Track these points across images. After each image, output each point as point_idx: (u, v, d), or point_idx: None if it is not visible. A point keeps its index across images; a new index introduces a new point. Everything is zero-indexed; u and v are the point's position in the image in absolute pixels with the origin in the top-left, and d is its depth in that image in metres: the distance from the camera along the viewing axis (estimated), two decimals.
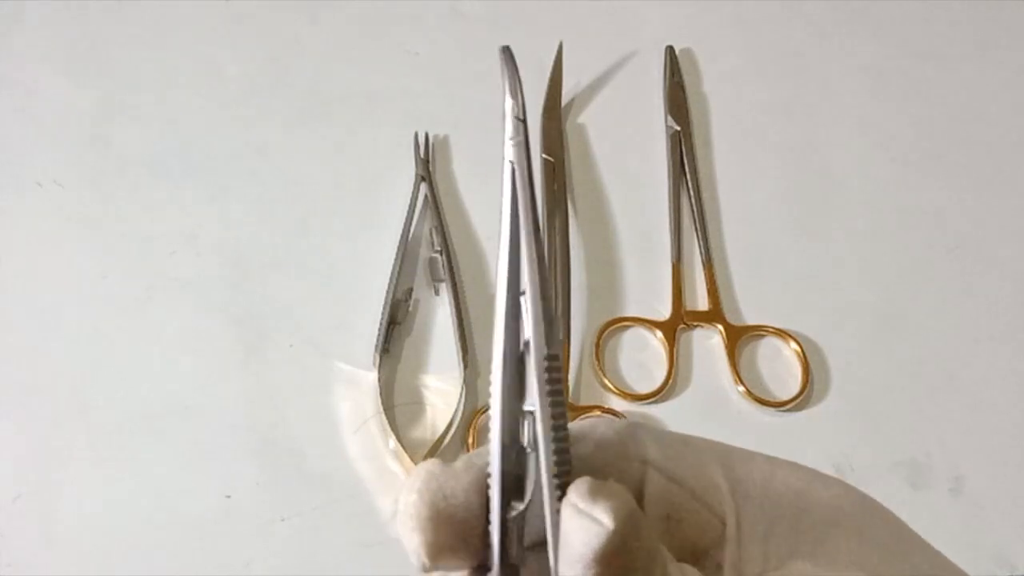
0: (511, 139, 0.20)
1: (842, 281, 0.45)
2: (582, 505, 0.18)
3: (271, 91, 0.51)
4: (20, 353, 0.41)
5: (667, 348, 0.42)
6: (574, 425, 0.22)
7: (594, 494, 0.18)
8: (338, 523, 0.37)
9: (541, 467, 0.20)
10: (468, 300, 0.43)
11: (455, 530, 0.19)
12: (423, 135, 0.48)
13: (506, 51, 0.20)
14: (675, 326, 0.42)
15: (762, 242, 0.46)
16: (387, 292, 0.42)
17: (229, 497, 0.37)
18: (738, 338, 0.42)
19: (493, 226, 0.19)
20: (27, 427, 0.38)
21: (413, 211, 0.45)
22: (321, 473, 0.38)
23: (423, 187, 0.46)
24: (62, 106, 0.49)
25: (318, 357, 0.41)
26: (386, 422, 0.38)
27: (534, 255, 0.19)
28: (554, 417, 0.19)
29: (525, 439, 0.20)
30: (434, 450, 0.38)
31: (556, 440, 0.19)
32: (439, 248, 0.43)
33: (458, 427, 0.39)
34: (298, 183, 0.47)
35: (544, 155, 0.48)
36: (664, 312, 0.43)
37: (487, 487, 0.20)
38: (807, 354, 0.41)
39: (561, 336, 0.41)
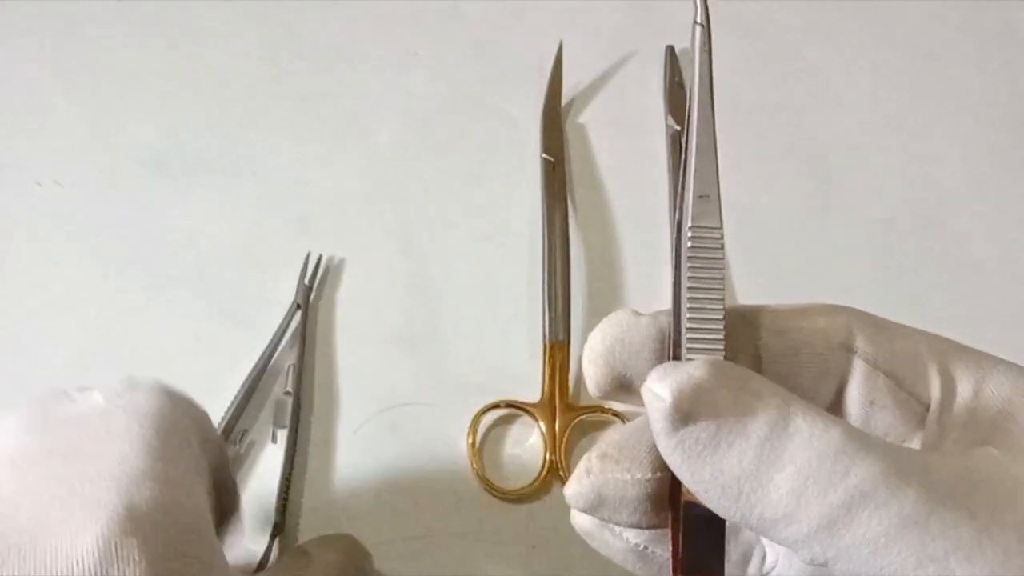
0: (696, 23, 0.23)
1: (843, 282, 0.45)
2: (650, 385, 0.19)
3: (271, 91, 0.51)
4: (20, 353, 0.41)
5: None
6: (787, 304, 0.22)
7: (660, 375, 0.19)
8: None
9: (681, 333, 0.21)
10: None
11: (624, 373, 0.22)
12: (313, 258, 0.43)
13: None
14: None
15: (762, 242, 0.46)
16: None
17: None
18: None
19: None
20: None
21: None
22: None
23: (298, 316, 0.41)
24: (62, 106, 0.49)
25: (319, 356, 0.41)
26: None
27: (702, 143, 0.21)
28: (691, 290, 0.21)
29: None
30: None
31: (692, 310, 0.21)
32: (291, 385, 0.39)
33: None
34: (299, 183, 0.47)
35: (544, 155, 0.48)
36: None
37: (664, 341, 0.22)
38: None
39: (563, 335, 0.41)
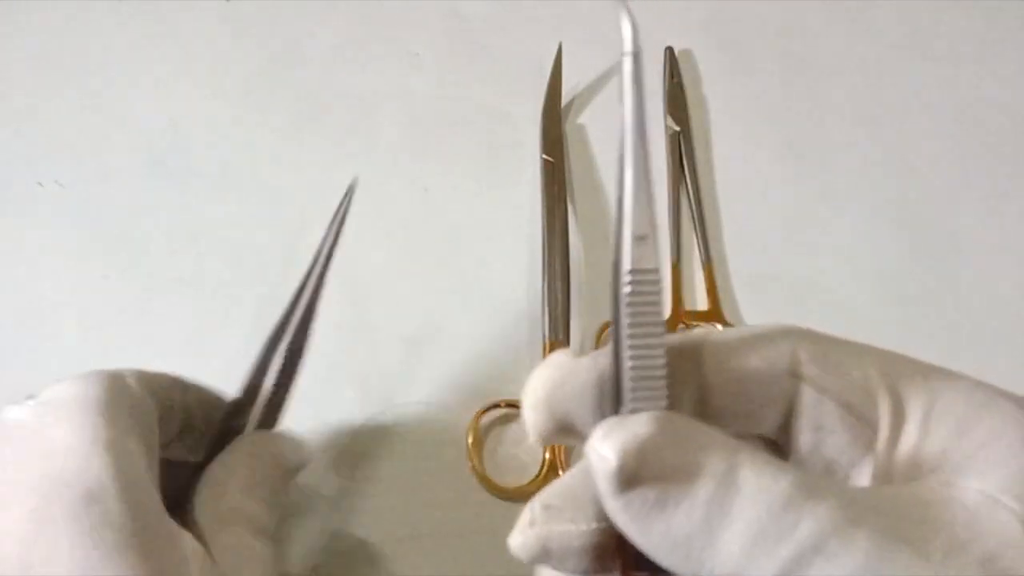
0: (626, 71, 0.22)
1: (842, 281, 0.45)
2: (595, 445, 0.19)
3: (271, 91, 0.51)
4: (20, 353, 0.41)
5: None
6: (729, 333, 0.22)
7: (605, 434, 0.19)
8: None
9: (622, 379, 0.20)
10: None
11: (565, 418, 0.21)
12: None
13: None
14: (675, 326, 0.42)
15: (762, 242, 0.46)
16: None
17: None
18: None
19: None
20: None
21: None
22: None
23: None
24: (62, 106, 0.49)
25: (318, 357, 0.41)
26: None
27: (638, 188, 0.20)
28: (632, 336, 0.20)
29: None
30: None
31: (634, 358, 0.20)
32: None
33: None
34: (299, 183, 0.47)
35: (544, 155, 0.48)
36: (664, 312, 0.43)
37: (604, 386, 0.21)
38: None
39: (563, 335, 0.41)
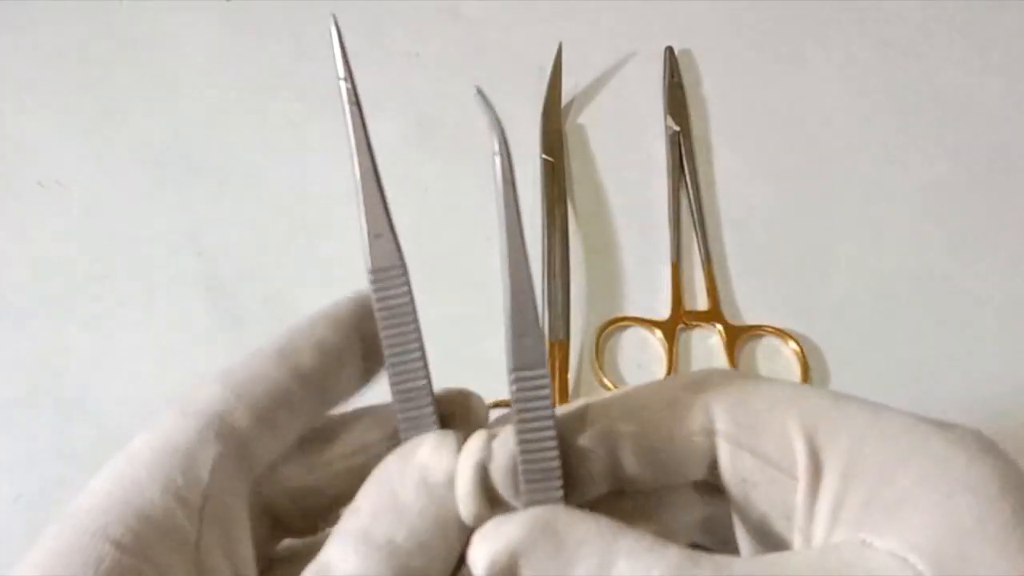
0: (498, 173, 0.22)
1: (842, 281, 0.45)
2: (471, 551, 0.20)
3: (271, 91, 0.51)
4: (20, 353, 0.41)
5: (667, 348, 0.42)
6: (636, 389, 0.22)
7: (480, 539, 0.20)
8: None
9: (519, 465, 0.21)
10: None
11: (492, 500, 0.21)
12: None
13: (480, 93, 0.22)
14: (675, 326, 0.42)
15: (762, 242, 0.46)
16: None
17: None
18: (737, 338, 0.42)
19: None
20: (27, 427, 0.38)
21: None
22: None
23: None
24: (62, 106, 0.49)
25: None
26: None
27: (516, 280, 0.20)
28: (522, 431, 0.20)
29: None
30: None
31: (526, 452, 0.20)
32: None
33: None
34: (299, 183, 0.47)
35: (544, 155, 0.48)
36: (664, 312, 0.43)
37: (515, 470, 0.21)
38: (807, 354, 0.42)
39: (563, 335, 0.41)
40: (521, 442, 0.20)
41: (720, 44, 0.55)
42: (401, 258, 0.22)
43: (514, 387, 0.20)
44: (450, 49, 0.53)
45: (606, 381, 0.40)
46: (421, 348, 0.22)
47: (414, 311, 0.22)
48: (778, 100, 0.52)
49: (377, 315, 0.21)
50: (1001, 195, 0.49)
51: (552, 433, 0.20)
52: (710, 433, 0.21)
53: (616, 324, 0.43)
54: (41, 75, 0.50)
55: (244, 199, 0.46)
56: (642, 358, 0.42)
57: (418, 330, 0.22)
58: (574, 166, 0.49)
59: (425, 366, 0.22)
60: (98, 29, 0.53)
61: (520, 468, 0.20)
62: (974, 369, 0.42)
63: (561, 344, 0.41)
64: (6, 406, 0.39)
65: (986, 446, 0.19)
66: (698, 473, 0.21)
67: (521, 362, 0.20)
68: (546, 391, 0.20)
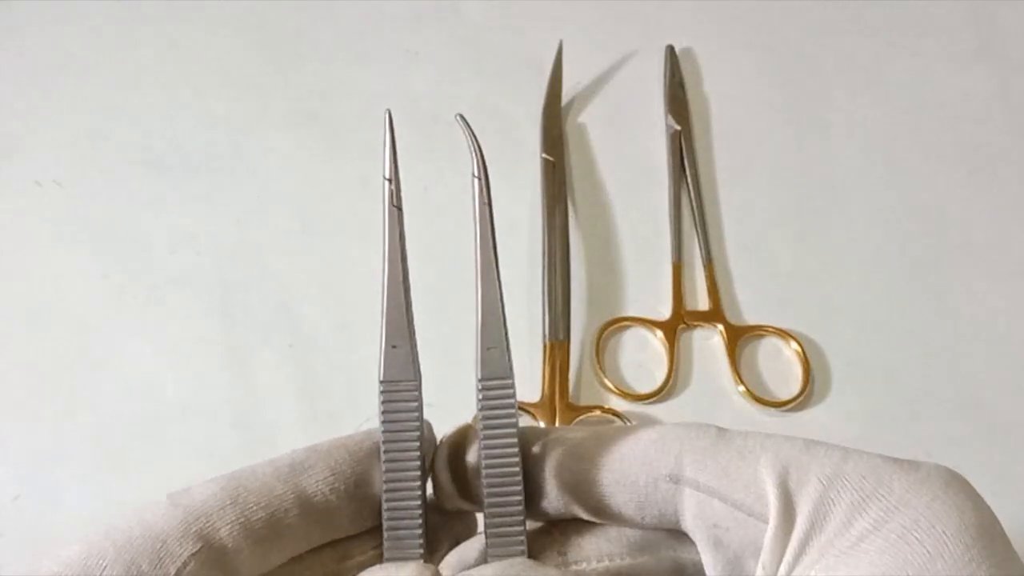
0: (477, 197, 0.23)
1: (842, 281, 0.45)
2: None
3: (271, 91, 0.51)
4: (20, 353, 0.41)
5: (667, 348, 0.42)
6: (607, 435, 0.22)
7: None
8: None
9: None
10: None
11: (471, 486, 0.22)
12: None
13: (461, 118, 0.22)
14: (675, 326, 0.42)
15: (762, 242, 0.46)
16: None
17: None
18: (738, 338, 0.42)
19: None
20: (27, 427, 0.38)
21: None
22: None
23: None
24: (62, 106, 0.49)
25: (318, 357, 0.41)
26: None
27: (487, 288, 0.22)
28: (486, 437, 0.21)
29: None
30: None
31: (489, 457, 0.21)
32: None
33: None
34: (298, 183, 0.47)
35: (544, 155, 0.48)
36: (664, 312, 0.43)
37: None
38: (807, 354, 0.41)
39: (563, 335, 0.41)
40: (485, 447, 0.21)
41: (721, 43, 0.55)
42: (416, 372, 0.21)
43: (480, 395, 0.21)
44: (450, 49, 0.53)
45: (606, 381, 0.40)
46: (421, 467, 0.21)
47: (420, 427, 0.22)
48: (778, 100, 0.52)
49: (381, 425, 0.21)
50: (1002, 196, 0.48)
51: (515, 440, 0.21)
52: (677, 481, 0.21)
53: (616, 324, 0.42)
54: (40, 75, 0.50)
55: (244, 199, 0.46)
56: (643, 358, 0.42)
57: (420, 447, 0.21)
58: (574, 166, 0.49)
59: (422, 486, 0.21)
60: (98, 29, 0.52)
61: (483, 472, 0.21)
62: (974, 369, 0.42)
63: (561, 344, 0.41)
64: (6, 406, 0.39)
65: (952, 484, 0.19)
66: (651, 520, 0.21)
67: (489, 372, 0.21)
68: (511, 400, 0.21)
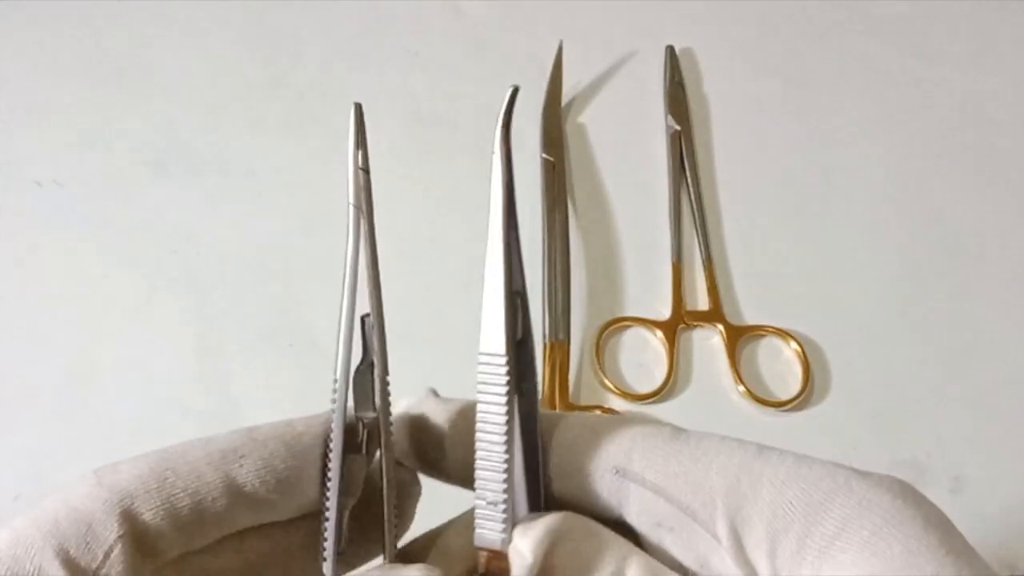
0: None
1: (842, 281, 0.45)
2: (515, 541, 0.20)
3: (271, 91, 0.51)
4: (20, 353, 0.41)
5: (667, 348, 0.42)
6: (572, 422, 0.22)
7: (518, 535, 0.20)
8: None
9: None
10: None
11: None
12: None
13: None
14: (675, 326, 0.42)
15: (762, 242, 0.46)
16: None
17: None
18: (738, 338, 0.42)
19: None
20: (27, 427, 0.38)
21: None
22: None
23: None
24: (62, 106, 0.49)
25: (318, 357, 0.41)
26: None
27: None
28: (480, 405, 0.22)
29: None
30: None
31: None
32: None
33: None
34: (298, 183, 0.47)
35: (544, 155, 0.48)
36: (664, 312, 0.43)
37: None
38: (807, 354, 0.41)
39: (563, 336, 0.41)
40: (480, 413, 0.22)
41: (721, 43, 0.55)
42: (384, 402, 0.23)
43: (478, 368, 0.22)
44: (450, 49, 0.53)
45: (606, 381, 0.40)
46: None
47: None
48: (778, 100, 0.52)
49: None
50: (1002, 196, 0.48)
51: (504, 410, 0.21)
52: (624, 475, 0.21)
53: (616, 324, 0.42)
54: (40, 76, 0.50)
55: (244, 199, 0.46)
56: (643, 358, 0.42)
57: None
58: (574, 166, 0.49)
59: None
60: (98, 29, 0.52)
61: (476, 439, 0.21)
62: (974, 369, 0.42)
63: (561, 344, 0.41)
64: (6, 406, 0.39)
65: (906, 489, 0.19)
66: (605, 509, 0.22)
67: (487, 346, 0.22)
68: (504, 373, 0.22)
